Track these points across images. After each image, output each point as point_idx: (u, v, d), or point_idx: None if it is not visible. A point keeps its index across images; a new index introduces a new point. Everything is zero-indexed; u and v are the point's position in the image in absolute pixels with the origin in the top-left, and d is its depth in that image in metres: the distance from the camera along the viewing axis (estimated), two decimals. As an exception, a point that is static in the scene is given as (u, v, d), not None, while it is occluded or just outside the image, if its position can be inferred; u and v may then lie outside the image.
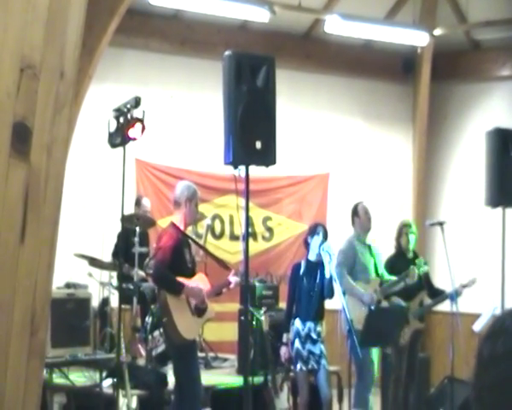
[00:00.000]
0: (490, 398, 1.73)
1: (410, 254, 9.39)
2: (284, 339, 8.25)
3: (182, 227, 7.45)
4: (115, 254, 9.49)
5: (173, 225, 7.46)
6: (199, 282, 7.51)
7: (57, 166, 3.41)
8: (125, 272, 8.90)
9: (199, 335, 9.05)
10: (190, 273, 7.47)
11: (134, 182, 11.15)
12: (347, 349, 7.87)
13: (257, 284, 9.68)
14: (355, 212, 9.05)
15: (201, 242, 10.01)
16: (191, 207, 7.45)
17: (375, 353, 8.66)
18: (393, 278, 8.98)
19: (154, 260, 7.44)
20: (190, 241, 7.84)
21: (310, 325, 8.17)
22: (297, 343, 8.14)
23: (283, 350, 8.24)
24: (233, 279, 7.74)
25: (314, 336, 8.16)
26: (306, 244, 8.42)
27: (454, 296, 8.74)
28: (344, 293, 8.07)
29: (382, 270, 8.96)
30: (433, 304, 9.49)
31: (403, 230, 9.38)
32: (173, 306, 7.21)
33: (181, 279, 7.26)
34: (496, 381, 1.72)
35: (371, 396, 8.53)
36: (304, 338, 8.14)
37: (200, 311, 7.43)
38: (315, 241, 8.22)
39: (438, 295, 9.35)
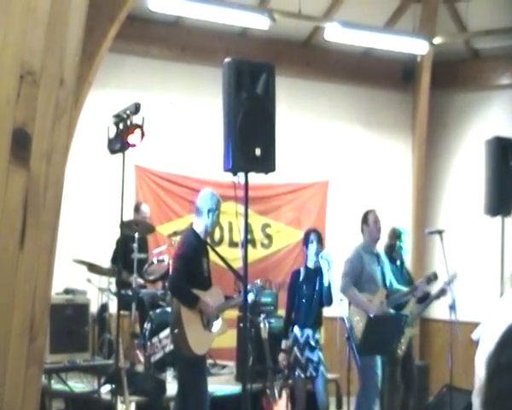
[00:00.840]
0: (494, 409, 1.73)
1: (398, 262, 9.37)
2: (283, 346, 8.24)
3: (202, 235, 7.42)
4: (114, 260, 9.48)
5: (194, 232, 7.42)
6: (214, 295, 7.45)
7: (57, 172, 3.41)
8: (124, 278, 8.90)
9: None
10: (206, 283, 7.39)
11: (133, 188, 11.14)
12: (346, 357, 7.85)
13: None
14: (365, 220, 8.89)
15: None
16: (210, 217, 7.41)
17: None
18: (401, 287, 8.93)
19: (172, 268, 7.37)
20: (210, 249, 7.77)
21: (308, 332, 8.17)
22: (295, 350, 8.13)
23: (282, 357, 8.22)
24: (249, 297, 7.68)
25: (312, 343, 8.16)
26: (304, 252, 8.41)
27: (453, 305, 8.69)
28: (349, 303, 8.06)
29: (391, 278, 8.88)
30: (422, 309, 9.43)
31: (398, 237, 9.33)
32: (186, 318, 7.12)
33: (196, 292, 7.20)
34: (499, 392, 1.72)
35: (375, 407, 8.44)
36: (302, 345, 8.13)
37: (212, 325, 7.38)
38: (311, 249, 8.21)
39: (424, 299, 9.30)
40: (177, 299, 7.23)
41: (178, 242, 7.84)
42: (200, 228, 7.39)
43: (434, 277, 9.05)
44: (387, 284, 8.77)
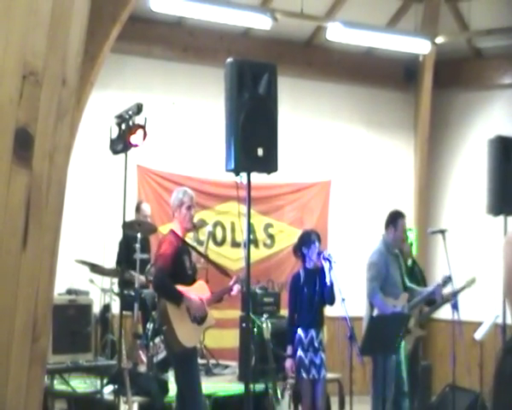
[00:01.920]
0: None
1: (410, 262, 9.33)
2: (289, 351, 8.17)
3: (180, 233, 7.46)
4: (119, 262, 9.47)
5: (172, 232, 7.47)
6: (199, 290, 7.50)
7: (59, 172, 3.41)
8: (128, 278, 8.90)
9: (200, 342, 9.04)
10: (191, 280, 7.47)
11: (135, 188, 11.15)
12: (348, 356, 7.84)
13: (258, 290, 9.68)
14: (394, 222, 8.79)
15: (203, 248, 10.01)
16: (182, 213, 7.45)
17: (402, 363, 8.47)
18: (413, 286, 8.90)
19: (155, 268, 7.48)
20: (190, 248, 7.85)
21: (312, 332, 8.13)
22: (300, 352, 8.09)
23: (289, 363, 8.14)
24: (235, 288, 7.72)
25: (316, 344, 8.12)
26: (300, 254, 8.29)
27: (456, 304, 8.68)
28: (371, 305, 8.04)
29: (405, 277, 8.85)
30: (432, 310, 9.41)
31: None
32: (173, 314, 7.21)
33: (181, 288, 7.26)
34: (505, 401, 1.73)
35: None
36: (306, 346, 8.10)
37: (199, 319, 7.42)
38: (313, 250, 8.16)
39: (434, 301, 9.26)
40: (162, 297, 7.30)
41: (158, 243, 7.92)
42: (176, 227, 7.47)
43: (449, 279, 8.96)
44: (404, 282, 8.76)
